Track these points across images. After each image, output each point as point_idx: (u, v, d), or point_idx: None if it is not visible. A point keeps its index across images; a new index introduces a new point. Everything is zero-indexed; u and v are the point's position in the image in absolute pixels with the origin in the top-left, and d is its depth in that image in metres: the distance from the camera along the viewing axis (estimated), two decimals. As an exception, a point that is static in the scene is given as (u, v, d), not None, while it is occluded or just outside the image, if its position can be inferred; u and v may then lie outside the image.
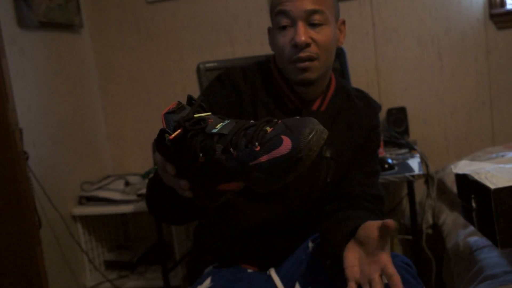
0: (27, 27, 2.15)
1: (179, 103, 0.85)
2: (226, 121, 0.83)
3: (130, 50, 2.64)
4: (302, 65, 1.15)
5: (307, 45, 1.14)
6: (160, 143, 0.85)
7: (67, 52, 2.44)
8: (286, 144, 0.75)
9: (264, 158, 0.76)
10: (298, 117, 0.79)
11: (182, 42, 2.59)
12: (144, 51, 2.63)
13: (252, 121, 0.83)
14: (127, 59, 2.65)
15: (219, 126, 0.82)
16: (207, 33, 2.56)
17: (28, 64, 2.16)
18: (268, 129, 0.78)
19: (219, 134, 0.81)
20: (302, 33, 1.13)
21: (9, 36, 2.03)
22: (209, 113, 0.85)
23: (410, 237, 2.16)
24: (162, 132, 0.83)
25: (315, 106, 1.24)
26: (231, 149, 0.79)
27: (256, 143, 0.77)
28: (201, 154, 0.81)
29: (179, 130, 0.81)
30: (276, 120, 0.80)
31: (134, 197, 2.31)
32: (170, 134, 0.82)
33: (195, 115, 0.82)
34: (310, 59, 1.15)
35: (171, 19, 2.58)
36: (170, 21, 2.59)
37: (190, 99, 0.88)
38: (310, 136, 0.75)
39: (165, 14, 2.58)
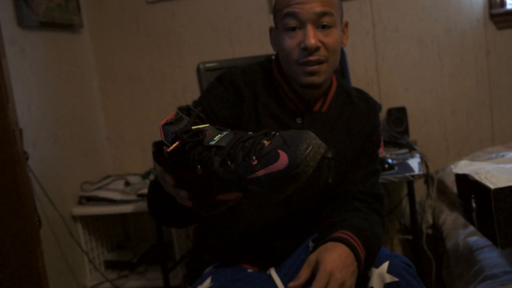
0: (27, 27, 2.15)
1: (177, 113, 0.85)
2: (224, 133, 0.83)
3: (130, 50, 2.64)
4: (311, 68, 1.15)
5: (317, 48, 1.14)
6: (159, 155, 0.84)
7: (67, 52, 2.44)
8: (283, 159, 0.75)
9: (261, 172, 0.76)
10: (295, 130, 0.79)
11: (182, 42, 2.59)
12: (144, 51, 2.63)
13: (250, 132, 0.82)
14: (127, 59, 2.65)
15: (217, 138, 0.82)
16: (207, 33, 2.56)
17: (28, 64, 2.15)
18: (266, 142, 0.78)
19: (217, 146, 0.80)
20: (312, 37, 1.12)
21: (9, 36, 2.03)
22: (207, 125, 0.85)
23: (410, 237, 2.16)
24: (160, 144, 0.83)
25: (316, 107, 1.24)
26: (229, 162, 0.79)
27: (254, 157, 0.77)
28: (199, 166, 0.81)
29: (177, 143, 0.81)
30: (273, 132, 0.80)
31: (134, 197, 2.31)
32: (168, 146, 0.81)
33: (193, 127, 0.82)
34: (319, 62, 1.15)
35: (171, 19, 2.58)
36: (170, 21, 2.59)
37: (188, 109, 0.87)
38: (307, 151, 0.75)
39: (165, 14, 2.58)
